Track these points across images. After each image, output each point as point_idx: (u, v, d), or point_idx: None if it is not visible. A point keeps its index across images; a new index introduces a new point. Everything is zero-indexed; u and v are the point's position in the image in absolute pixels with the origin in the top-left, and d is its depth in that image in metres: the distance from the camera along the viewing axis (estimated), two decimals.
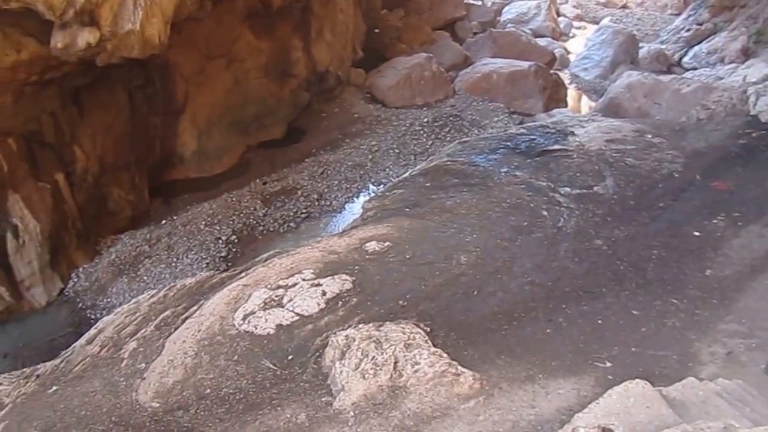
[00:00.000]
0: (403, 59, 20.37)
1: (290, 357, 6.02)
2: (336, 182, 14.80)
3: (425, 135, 17.04)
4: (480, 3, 28.04)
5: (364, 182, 14.90)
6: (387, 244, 8.26)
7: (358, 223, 9.95)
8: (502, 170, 11.23)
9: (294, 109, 17.76)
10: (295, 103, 17.76)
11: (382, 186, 14.16)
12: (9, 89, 11.04)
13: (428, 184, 11.03)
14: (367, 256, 7.97)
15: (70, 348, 7.19)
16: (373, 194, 13.48)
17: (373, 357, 5.59)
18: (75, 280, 12.30)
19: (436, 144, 16.51)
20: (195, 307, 7.02)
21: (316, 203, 14.11)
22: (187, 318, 6.80)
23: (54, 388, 6.22)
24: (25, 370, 7.03)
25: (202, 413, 5.37)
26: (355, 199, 14.30)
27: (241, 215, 13.60)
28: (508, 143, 12.66)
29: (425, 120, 17.79)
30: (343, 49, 19.56)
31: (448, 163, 12.01)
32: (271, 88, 16.99)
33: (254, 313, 6.60)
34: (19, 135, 11.71)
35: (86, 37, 10.39)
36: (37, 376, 6.64)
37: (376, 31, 22.52)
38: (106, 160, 13.37)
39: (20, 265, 11.65)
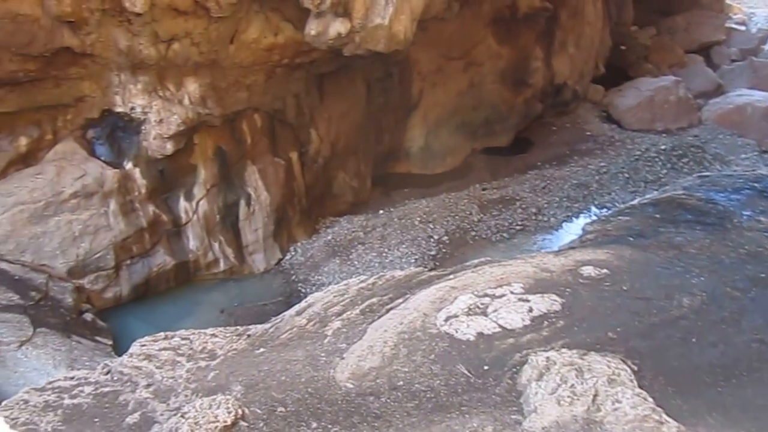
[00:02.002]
0: (648, 80, 19.21)
1: (486, 367, 5.82)
2: (557, 199, 14.29)
3: (660, 163, 15.87)
4: (743, 28, 25.53)
5: (587, 203, 14.22)
6: (604, 271, 7.71)
7: (576, 244, 9.44)
8: (744, 213, 10.06)
9: (524, 118, 17.47)
10: (526, 113, 17.46)
11: (605, 210, 13.39)
12: (263, 69, 12.04)
13: (657, 216, 10.18)
14: (581, 280, 7.50)
15: (280, 316, 7.57)
16: (595, 217, 12.81)
17: (572, 385, 5.21)
18: (292, 253, 13.10)
19: (671, 174, 15.31)
20: (400, 300, 7.06)
21: (534, 217, 13.72)
22: (391, 309, 6.84)
23: (261, 350, 6.57)
24: (238, 328, 7.53)
25: (392, 403, 5.35)
26: (574, 219, 13.70)
27: (456, 217, 13.61)
28: (756, 184, 11.33)
29: (663, 147, 16.56)
30: (585, 63, 18.86)
31: (683, 196, 10.99)
32: (504, 94, 16.85)
33: (457, 316, 6.47)
34: (265, 112, 12.75)
35: (338, 27, 11.00)
36: (248, 335, 7.08)
37: (623, 47, 21.45)
38: (337, 145, 14.10)
39: (247, 231, 12.69)
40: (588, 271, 7.73)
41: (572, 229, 12.97)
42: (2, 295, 9.99)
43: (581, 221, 13.02)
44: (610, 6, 20.40)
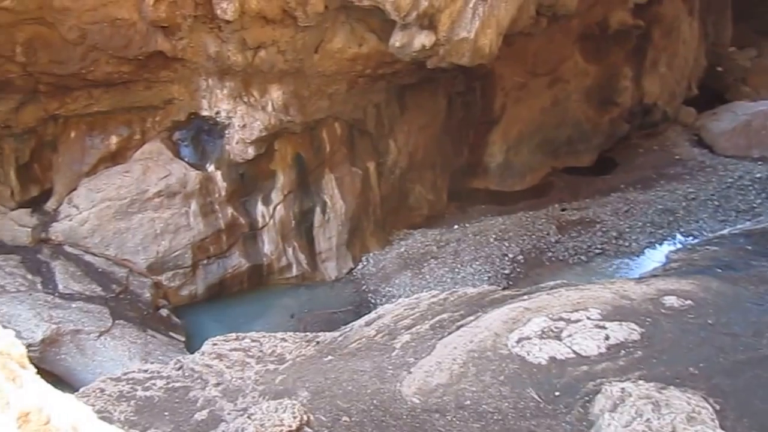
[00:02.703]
0: (745, 104, 18.31)
1: (557, 393, 5.61)
2: (640, 224, 13.74)
3: (754, 192, 15.05)
4: None
5: (672, 230, 13.62)
6: (688, 302, 7.33)
7: (659, 272, 9.05)
8: None
9: (609, 138, 16.99)
10: (611, 133, 16.97)
11: (692, 238, 12.82)
12: (345, 78, 12.16)
13: (749, 248, 9.64)
14: (662, 310, 7.15)
15: (349, 325, 7.57)
16: (680, 245, 12.26)
17: (648, 419, 4.94)
18: (364, 263, 13.12)
19: (765, 204, 14.49)
20: (472, 318, 6.93)
21: (614, 241, 13.24)
22: (462, 326, 6.73)
23: (329, 357, 6.58)
24: (307, 334, 7.58)
25: (458, 423, 5.22)
26: (657, 245, 13.13)
27: (533, 237, 13.32)
28: None
29: (758, 175, 15.70)
30: (677, 84, 18.19)
31: None
32: (589, 113, 16.44)
33: (529, 338, 6.28)
34: (345, 121, 12.88)
35: (422, 39, 10.97)
36: (317, 342, 7.11)
37: (719, 69, 20.57)
38: (415, 157, 14.07)
39: (321, 238, 12.80)
40: (671, 301, 7.38)
41: (655, 257, 12.47)
42: (86, 286, 10.42)
43: (665, 248, 12.52)
44: (707, 25, 19.63)
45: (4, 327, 1.97)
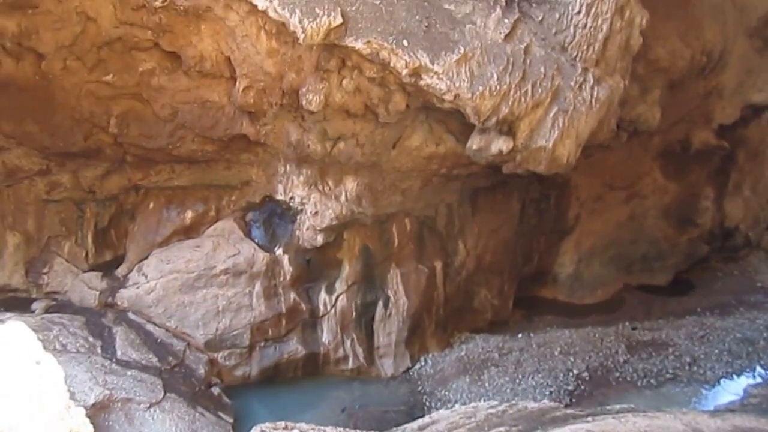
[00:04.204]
0: None
1: None
2: (716, 351, 12.94)
3: None
4: None
5: (751, 362, 12.73)
6: None
7: (736, 407, 8.45)
8: None
9: (686, 259, 16.36)
10: (689, 254, 16.36)
11: None
12: (420, 176, 12.24)
13: None
14: None
15: (401, 427, 7.32)
16: (760, 379, 11.47)
17: None
18: (422, 363, 12.76)
19: None
20: None
21: (687, 367, 12.48)
22: None
23: None
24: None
25: None
26: (735, 377, 12.27)
27: (600, 354, 12.73)
28: None
29: None
30: (761, 209, 17.54)
31: None
32: (667, 231, 15.96)
33: None
34: (415, 217, 12.87)
35: (500, 144, 10.97)
36: None
37: None
38: (483, 260, 13.84)
39: (381, 333, 12.57)
40: None
41: (732, 389, 11.70)
42: (143, 355, 10.47)
43: (743, 381, 11.77)
44: None
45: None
